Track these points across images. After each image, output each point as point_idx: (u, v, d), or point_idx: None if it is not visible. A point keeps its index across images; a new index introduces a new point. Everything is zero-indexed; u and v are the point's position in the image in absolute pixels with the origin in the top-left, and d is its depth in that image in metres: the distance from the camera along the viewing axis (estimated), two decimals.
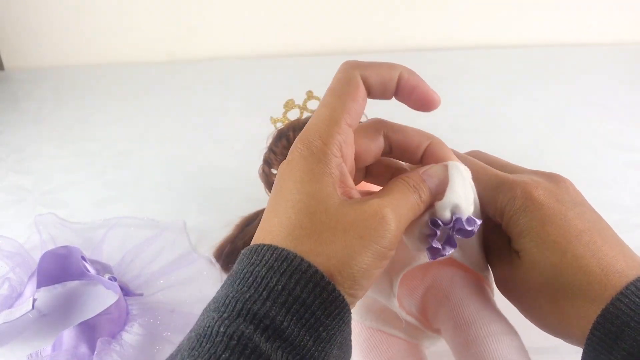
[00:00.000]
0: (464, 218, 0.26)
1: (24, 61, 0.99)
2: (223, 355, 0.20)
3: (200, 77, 0.92)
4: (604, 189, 0.60)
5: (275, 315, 0.21)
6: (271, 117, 0.49)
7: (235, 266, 0.24)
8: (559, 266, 0.26)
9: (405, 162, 0.29)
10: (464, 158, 0.31)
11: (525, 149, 0.68)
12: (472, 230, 0.26)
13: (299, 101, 0.49)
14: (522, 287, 0.29)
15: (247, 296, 0.22)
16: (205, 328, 0.21)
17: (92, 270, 0.45)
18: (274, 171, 0.49)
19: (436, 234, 0.26)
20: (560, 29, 0.98)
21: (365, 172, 0.30)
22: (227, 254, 0.49)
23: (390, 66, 0.27)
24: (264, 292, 0.22)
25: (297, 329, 0.21)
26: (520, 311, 0.31)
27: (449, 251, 0.27)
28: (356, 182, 0.29)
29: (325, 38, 0.98)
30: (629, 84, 0.84)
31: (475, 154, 0.32)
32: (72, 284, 0.49)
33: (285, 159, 0.45)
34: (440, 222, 0.26)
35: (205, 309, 0.23)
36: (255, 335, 0.21)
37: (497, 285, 0.32)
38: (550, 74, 0.88)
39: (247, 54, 0.98)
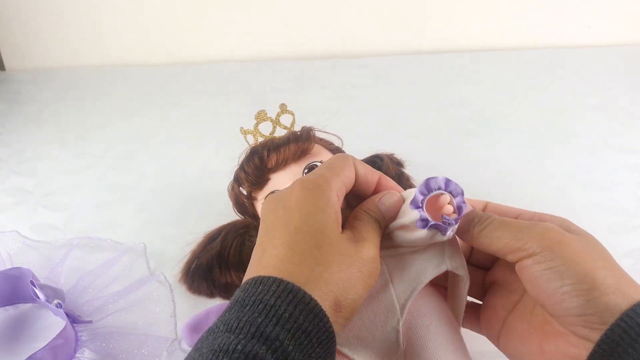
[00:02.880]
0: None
1: (25, 62, 0.99)
2: None
3: (201, 79, 0.92)
4: (603, 191, 0.61)
5: (283, 339, 0.24)
6: (241, 128, 0.48)
7: (239, 293, 0.26)
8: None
9: (363, 192, 0.33)
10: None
11: (525, 151, 0.69)
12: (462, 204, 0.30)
13: (272, 113, 0.48)
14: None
15: (259, 321, 0.24)
16: (222, 345, 0.23)
17: (41, 296, 0.45)
18: (243, 190, 0.48)
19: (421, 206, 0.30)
20: (559, 31, 0.98)
21: None
22: (192, 272, 0.49)
23: (374, 170, 0.32)
24: (274, 318, 0.24)
25: (298, 352, 0.24)
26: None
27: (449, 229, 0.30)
28: None
29: (326, 41, 0.98)
30: (628, 85, 0.85)
31: (486, 205, 0.34)
32: (24, 307, 0.49)
33: (255, 179, 0.46)
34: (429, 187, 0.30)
35: (214, 330, 0.25)
36: (267, 356, 0.23)
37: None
38: (550, 76, 0.88)
39: (248, 57, 0.99)
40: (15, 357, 0.44)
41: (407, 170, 0.56)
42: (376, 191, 0.32)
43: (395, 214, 0.31)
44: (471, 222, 0.30)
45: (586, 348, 0.25)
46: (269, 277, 0.25)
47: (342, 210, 0.32)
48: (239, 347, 0.23)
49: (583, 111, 0.77)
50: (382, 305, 0.32)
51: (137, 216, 0.60)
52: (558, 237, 0.27)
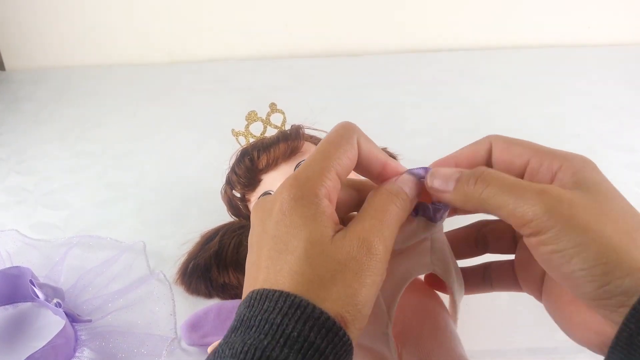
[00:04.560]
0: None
1: (25, 62, 0.99)
2: None
3: (201, 78, 0.92)
4: None
5: None
6: (233, 130, 0.48)
7: (243, 310, 0.24)
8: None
9: (364, 175, 0.30)
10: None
11: None
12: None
13: (262, 113, 0.48)
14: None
15: (265, 344, 0.22)
16: None
17: (40, 295, 0.45)
18: (236, 193, 0.48)
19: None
20: (558, 30, 0.98)
21: None
22: (190, 272, 0.49)
23: (380, 151, 0.29)
24: (281, 340, 0.22)
25: None
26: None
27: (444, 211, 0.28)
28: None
29: (325, 39, 0.98)
30: (628, 85, 0.85)
31: (494, 139, 0.29)
32: (24, 306, 0.49)
33: (247, 180, 0.45)
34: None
35: (219, 354, 0.23)
36: None
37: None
38: (550, 76, 0.88)
39: (248, 55, 0.99)
40: (15, 357, 0.44)
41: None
42: (382, 177, 0.29)
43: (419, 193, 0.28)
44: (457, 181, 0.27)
45: (610, 325, 0.23)
46: (274, 291, 0.23)
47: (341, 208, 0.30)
48: None
49: (583, 111, 0.77)
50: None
51: (137, 215, 0.60)
52: (560, 208, 0.24)
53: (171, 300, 0.48)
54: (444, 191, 0.27)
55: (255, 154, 0.45)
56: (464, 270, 0.34)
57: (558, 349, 0.42)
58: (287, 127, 0.48)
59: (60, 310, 0.43)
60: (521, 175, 0.28)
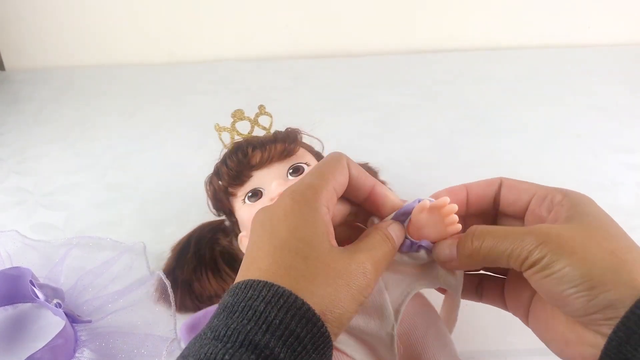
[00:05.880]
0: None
1: (25, 62, 0.99)
2: None
3: (202, 78, 0.92)
4: (603, 190, 0.61)
5: (273, 346, 0.23)
6: (216, 125, 0.47)
7: (227, 298, 0.25)
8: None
9: (353, 198, 0.32)
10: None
11: (524, 151, 0.69)
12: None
13: (250, 113, 0.48)
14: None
15: (248, 328, 0.23)
16: (209, 354, 0.23)
17: (40, 296, 0.44)
18: (221, 183, 0.47)
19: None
20: (559, 31, 0.98)
21: None
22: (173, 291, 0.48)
23: (369, 175, 0.31)
24: (264, 325, 0.23)
25: None
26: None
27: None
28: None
29: (326, 40, 0.98)
30: (628, 85, 0.85)
31: (505, 178, 0.33)
32: (24, 307, 0.49)
33: (237, 174, 0.45)
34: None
35: (201, 336, 0.24)
36: None
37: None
38: (550, 76, 0.88)
39: (248, 56, 0.99)
40: (14, 357, 0.44)
41: (406, 170, 0.56)
42: (370, 199, 0.31)
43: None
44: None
45: (603, 338, 0.25)
46: (259, 281, 0.25)
47: (338, 226, 0.31)
48: (227, 357, 0.22)
49: (583, 111, 0.77)
50: (376, 310, 0.32)
51: (137, 215, 0.60)
52: (549, 240, 0.26)
53: (171, 301, 0.48)
54: (451, 260, 0.30)
55: (250, 150, 0.45)
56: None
57: None
58: (273, 130, 0.48)
59: (60, 310, 0.43)
60: (525, 208, 0.31)
